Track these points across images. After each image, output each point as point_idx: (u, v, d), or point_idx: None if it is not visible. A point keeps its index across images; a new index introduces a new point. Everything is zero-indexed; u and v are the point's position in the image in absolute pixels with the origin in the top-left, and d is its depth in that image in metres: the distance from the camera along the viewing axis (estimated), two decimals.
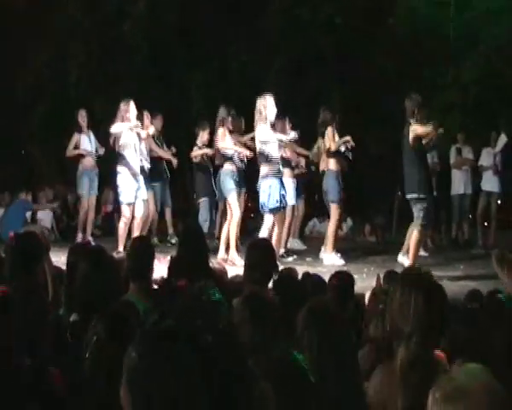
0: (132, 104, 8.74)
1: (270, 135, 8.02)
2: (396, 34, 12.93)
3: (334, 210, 8.66)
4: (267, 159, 7.98)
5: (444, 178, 10.83)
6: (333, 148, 8.60)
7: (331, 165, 8.71)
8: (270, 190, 7.91)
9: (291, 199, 9.15)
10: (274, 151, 8.04)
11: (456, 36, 12.43)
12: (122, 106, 8.70)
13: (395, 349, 2.66)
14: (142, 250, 4.42)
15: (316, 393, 2.07)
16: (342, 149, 8.70)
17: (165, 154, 10.42)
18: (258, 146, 8.06)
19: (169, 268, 5.02)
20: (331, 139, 8.65)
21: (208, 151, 9.79)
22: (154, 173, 10.14)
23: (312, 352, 2.51)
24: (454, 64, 12.52)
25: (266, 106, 7.96)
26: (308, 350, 2.52)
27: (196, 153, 9.99)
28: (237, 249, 8.42)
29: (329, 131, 8.70)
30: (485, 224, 10.93)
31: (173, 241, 10.26)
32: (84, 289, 3.48)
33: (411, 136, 7.60)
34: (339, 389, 2.47)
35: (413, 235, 7.64)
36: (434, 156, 10.60)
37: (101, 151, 10.09)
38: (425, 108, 7.88)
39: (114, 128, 8.75)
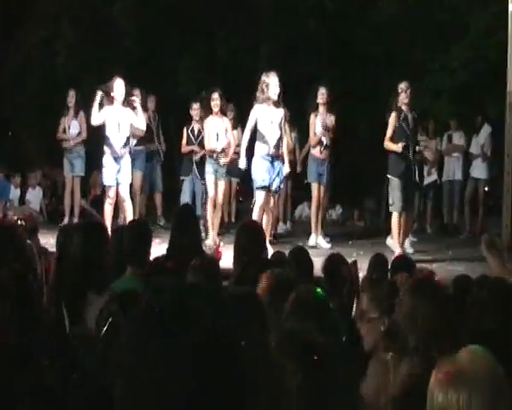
0: (119, 82, 8.34)
1: (258, 115, 7.92)
2: (386, 19, 12.85)
3: (312, 190, 8.92)
4: (262, 138, 7.88)
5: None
6: (316, 130, 8.83)
7: (313, 151, 8.99)
8: (258, 168, 7.82)
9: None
10: (269, 131, 7.95)
11: (446, 20, 12.41)
12: (112, 84, 8.31)
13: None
14: (140, 234, 4.29)
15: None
16: (324, 140, 8.82)
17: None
18: (251, 124, 7.95)
19: (167, 250, 5.03)
20: (312, 125, 8.88)
21: (195, 148, 9.48)
22: (147, 154, 10.12)
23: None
24: (444, 49, 12.49)
25: (269, 85, 7.82)
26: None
27: (185, 149, 9.64)
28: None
29: (311, 118, 8.89)
30: (473, 210, 10.97)
31: (161, 223, 10.20)
32: (79, 262, 3.39)
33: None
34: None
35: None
36: (439, 144, 10.81)
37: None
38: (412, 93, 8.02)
39: (94, 120, 8.41)
